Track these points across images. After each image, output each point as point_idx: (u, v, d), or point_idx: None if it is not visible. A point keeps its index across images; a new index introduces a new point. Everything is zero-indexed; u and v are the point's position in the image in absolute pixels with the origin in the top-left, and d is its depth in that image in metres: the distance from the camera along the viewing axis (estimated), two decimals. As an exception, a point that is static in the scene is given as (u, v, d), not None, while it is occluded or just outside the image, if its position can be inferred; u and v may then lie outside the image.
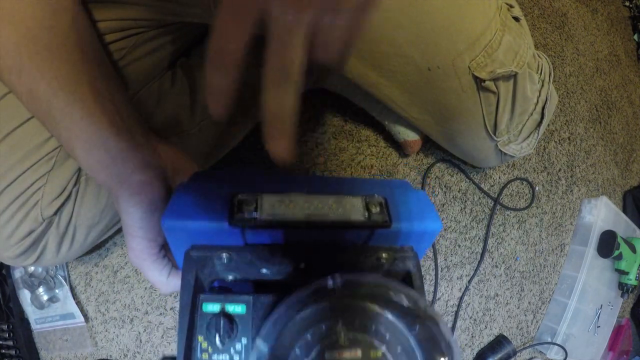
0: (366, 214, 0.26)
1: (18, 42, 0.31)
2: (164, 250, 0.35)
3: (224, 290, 0.28)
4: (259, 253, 0.26)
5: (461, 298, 0.74)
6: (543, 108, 0.55)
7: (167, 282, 0.35)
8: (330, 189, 0.28)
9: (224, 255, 0.26)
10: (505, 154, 0.59)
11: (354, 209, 0.26)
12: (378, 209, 0.26)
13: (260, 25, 0.25)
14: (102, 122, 0.32)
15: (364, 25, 0.28)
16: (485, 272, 0.77)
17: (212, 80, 0.26)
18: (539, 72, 0.53)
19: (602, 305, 0.83)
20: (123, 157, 0.33)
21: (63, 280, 0.64)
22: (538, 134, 0.58)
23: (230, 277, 0.27)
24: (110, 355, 0.65)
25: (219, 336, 0.23)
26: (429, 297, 0.73)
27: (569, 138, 0.90)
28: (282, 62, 0.25)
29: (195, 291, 0.25)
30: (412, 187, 0.34)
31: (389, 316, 0.20)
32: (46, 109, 0.32)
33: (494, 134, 0.54)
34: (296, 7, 0.23)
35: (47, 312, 0.64)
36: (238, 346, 0.24)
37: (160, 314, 0.65)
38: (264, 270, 0.27)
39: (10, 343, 0.63)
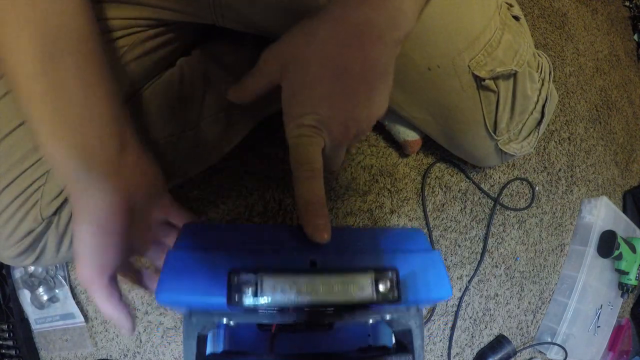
0: (375, 294, 0.25)
1: None
2: (115, 276, 0.33)
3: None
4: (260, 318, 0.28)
5: (461, 298, 0.74)
6: (543, 107, 0.55)
7: (113, 310, 0.32)
8: (335, 251, 0.29)
9: (224, 319, 0.27)
10: (505, 153, 0.59)
11: (361, 290, 0.25)
12: (388, 285, 0.25)
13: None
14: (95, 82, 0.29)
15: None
16: (485, 272, 0.77)
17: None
18: (539, 71, 0.53)
19: (602, 305, 0.83)
20: (104, 134, 0.29)
21: (63, 280, 0.64)
22: (538, 133, 0.58)
23: (232, 323, 0.28)
24: (110, 355, 0.65)
25: None
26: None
27: (569, 138, 0.90)
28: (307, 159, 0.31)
29: (197, 357, 0.26)
30: (426, 241, 0.33)
31: None
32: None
33: (494, 133, 0.54)
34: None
35: (47, 312, 0.64)
36: None
37: (160, 314, 0.65)
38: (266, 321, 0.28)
39: (10, 343, 0.63)
